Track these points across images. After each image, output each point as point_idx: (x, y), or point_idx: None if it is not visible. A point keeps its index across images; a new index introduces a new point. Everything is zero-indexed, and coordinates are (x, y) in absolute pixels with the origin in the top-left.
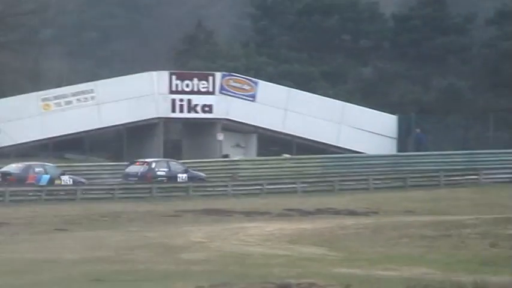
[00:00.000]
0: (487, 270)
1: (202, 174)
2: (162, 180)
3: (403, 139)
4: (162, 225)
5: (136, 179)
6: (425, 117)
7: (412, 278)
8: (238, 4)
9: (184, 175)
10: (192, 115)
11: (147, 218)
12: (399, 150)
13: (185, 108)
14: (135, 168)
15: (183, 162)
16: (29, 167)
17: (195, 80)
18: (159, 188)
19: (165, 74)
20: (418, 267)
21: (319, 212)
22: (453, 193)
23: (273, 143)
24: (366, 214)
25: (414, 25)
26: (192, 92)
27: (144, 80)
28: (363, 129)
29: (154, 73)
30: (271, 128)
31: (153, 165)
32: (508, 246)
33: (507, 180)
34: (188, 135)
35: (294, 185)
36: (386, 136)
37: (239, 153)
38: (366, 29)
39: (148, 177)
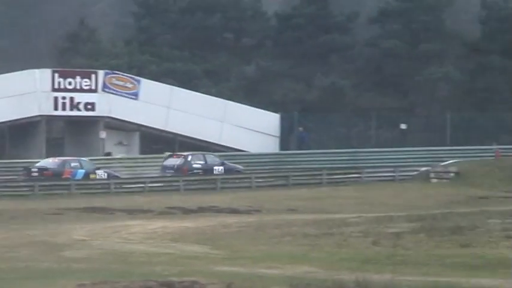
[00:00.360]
0: (369, 268)
1: (239, 166)
2: (198, 172)
3: (286, 137)
4: (44, 223)
5: (172, 171)
6: (308, 115)
7: (295, 277)
8: (121, 2)
9: (221, 167)
10: (75, 113)
11: (28, 215)
12: (282, 149)
13: (68, 106)
14: (172, 161)
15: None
16: (65, 162)
17: (78, 78)
18: (41, 186)
19: (47, 72)
20: (301, 265)
21: (201, 210)
22: (336, 191)
23: (155, 141)
24: (248, 212)
25: (297, 24)
26: (74, 90)
27: (26, 77)
28: (246, 127)
29: (36, 71)
30: (154, 126)
31: (189, 158)
32: (390, 244)
33: (389, 178)
34: (71, 133)
35: (176, 183)
36: (269, 134)
37: (122, 151)
38: (248, 27)
39: (184, 169)
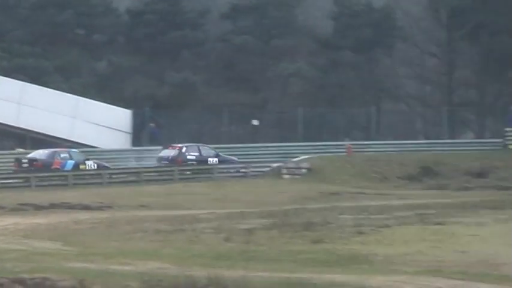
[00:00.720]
0: (221, 265)
1: (234, 158)
2: (192, 163)
3: (138, 133)
4: None
5: (167, 162)
6: (160, 111)
7: (147, 273)
8: None
9: (215, 159)
10: None
11: None
12: (133, 145)
13: None
14: (167, 152)
15: None
16: (54, 153)
17: None
18: None
19: None
20: (153, 261)
21: (53, 206)
22: (188, 188)
23: (7, 137)
24: (100, 209)
25: (149, 20)
26: None
27: None
28: (98, 123)
29: None
30: (5, 122)
31: (184, 149)
32: (242, 240)
33: (241, 174)
34: None
35: (27, 179)
36: (121, 130)
37: None
38: (99, 23)
39: (178, 161)
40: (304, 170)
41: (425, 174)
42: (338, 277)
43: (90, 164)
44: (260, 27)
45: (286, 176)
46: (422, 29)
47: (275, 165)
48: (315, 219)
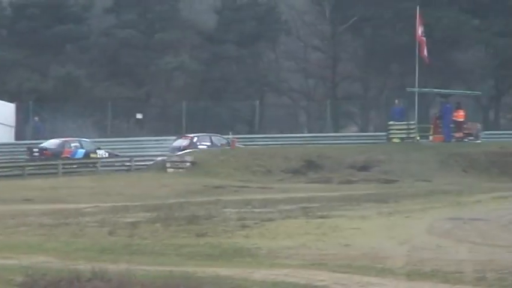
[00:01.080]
0: (106, 258)
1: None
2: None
3: (21, 127)
4: None
5: (180, 152)
6: (44, 105)
7: (31, 267)
8: None
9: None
10: None
11: None
12: (17, 139)
13: None
14: (180, 142)
15: None
16: (65, 142)
17: None
18: None
19: None
20: (37, 255)
21: None
22: (72, 182)
23: None
24: None
25: (32, 13)
26: None
27: None
28: None
29: None
30: None
31: (195, 139)
32: (126, 234)
33: (125, 168)
34: None
35: None
36: (4, 124)
37: None
38: None
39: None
40: (188, 164)
41: (309, 167)
42: (222, 270)
43: (102, 153)
44: (144, 21)
45: (170, 170)
46: (306, 22)
47: (159, 158)
48: (199, 213)
